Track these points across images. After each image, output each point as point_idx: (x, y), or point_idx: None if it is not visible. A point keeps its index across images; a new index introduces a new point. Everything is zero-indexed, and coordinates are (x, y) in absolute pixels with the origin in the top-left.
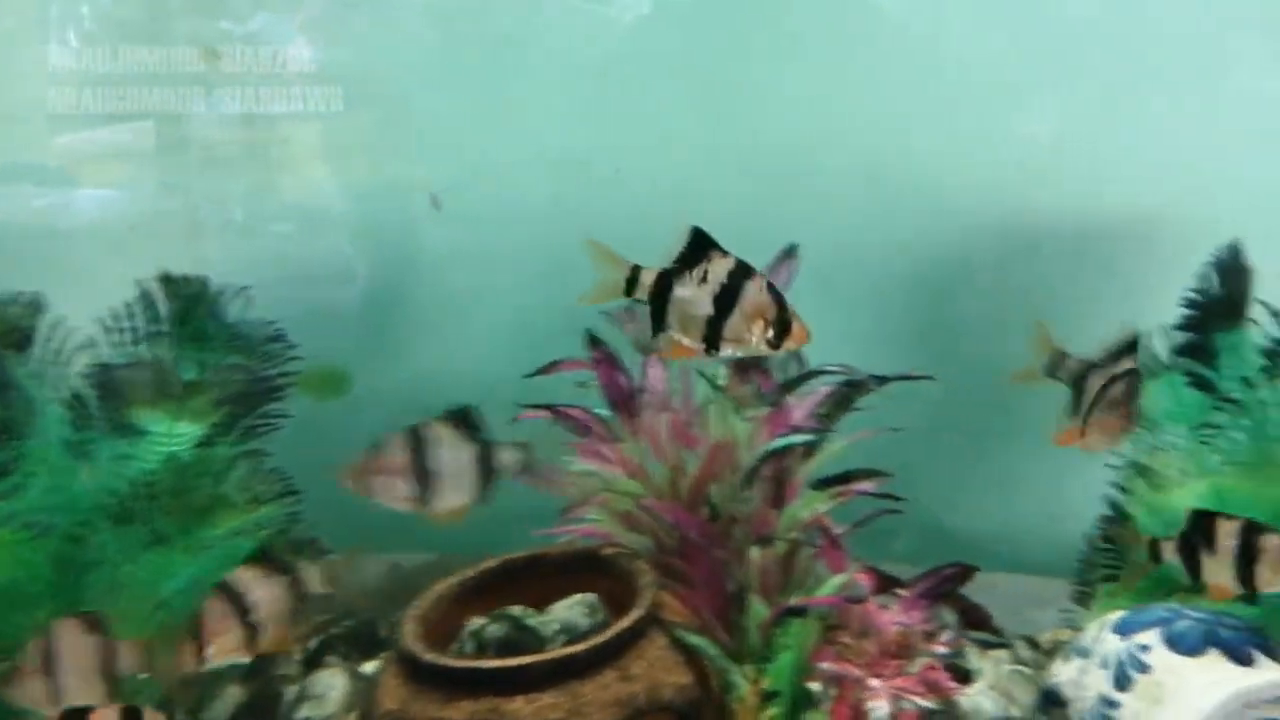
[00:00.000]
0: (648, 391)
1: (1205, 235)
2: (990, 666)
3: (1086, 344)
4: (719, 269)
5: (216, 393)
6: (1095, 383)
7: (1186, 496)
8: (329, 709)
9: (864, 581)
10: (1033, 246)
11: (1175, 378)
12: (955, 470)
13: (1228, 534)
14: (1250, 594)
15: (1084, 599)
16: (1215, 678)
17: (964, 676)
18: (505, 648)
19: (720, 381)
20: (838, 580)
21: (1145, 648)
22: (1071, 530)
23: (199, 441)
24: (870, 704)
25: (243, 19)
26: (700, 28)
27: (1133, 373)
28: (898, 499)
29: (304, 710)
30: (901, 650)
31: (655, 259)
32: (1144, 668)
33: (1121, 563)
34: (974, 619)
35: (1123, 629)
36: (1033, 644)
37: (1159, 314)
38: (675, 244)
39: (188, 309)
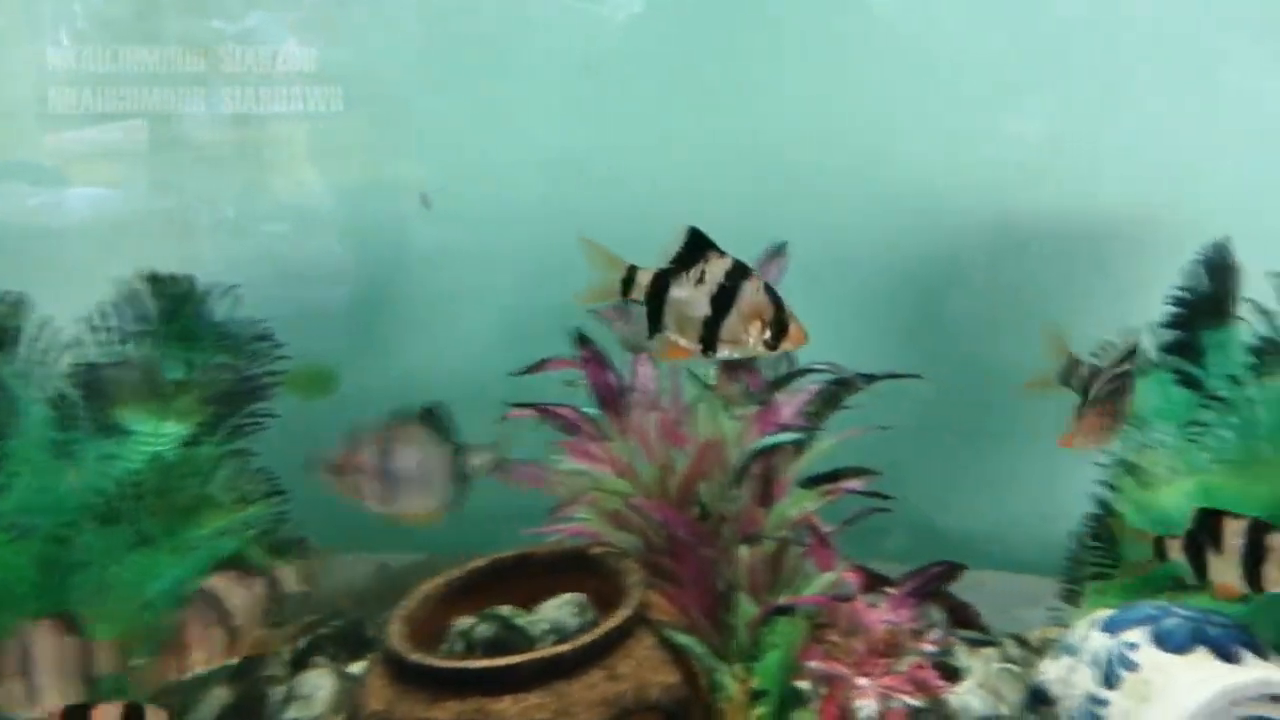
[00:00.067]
0: (637, 390)
1: (1196, 234)
2: (979, 665)
3: (1078, 343)
4: (716, 269)
5: (202, 392)
6: (1099, 388)
7: (1174, 494)
8: (316, 709)
9: (852, 580)
10: (1023, 245)
11: (1163, 376)
12: (946, 469)
13: (1234, 533)
14: (1257, 594)
15: (1072, 597)
16: (1202, 675)
17: (953, 675)
18: (494, 647)
19: (709, 380)
20: (826, 579)
21: (1133, 645)
22: (1063, 529)
23: (185, 441)
24: (858, 702)
25: (236, 18)
26: (692, 26)
27: (1124, 374)
28: (886, 497)
29: (291, 711)
30: (889, 649)
31: (647, 258)
32: (1132, 665)
33: (1110, 560)
34: (962, 617)
35: (1111, 627)
36: (1022, 642)
37: (1150, 313)
38: (672, 244)
39: (174, 308)
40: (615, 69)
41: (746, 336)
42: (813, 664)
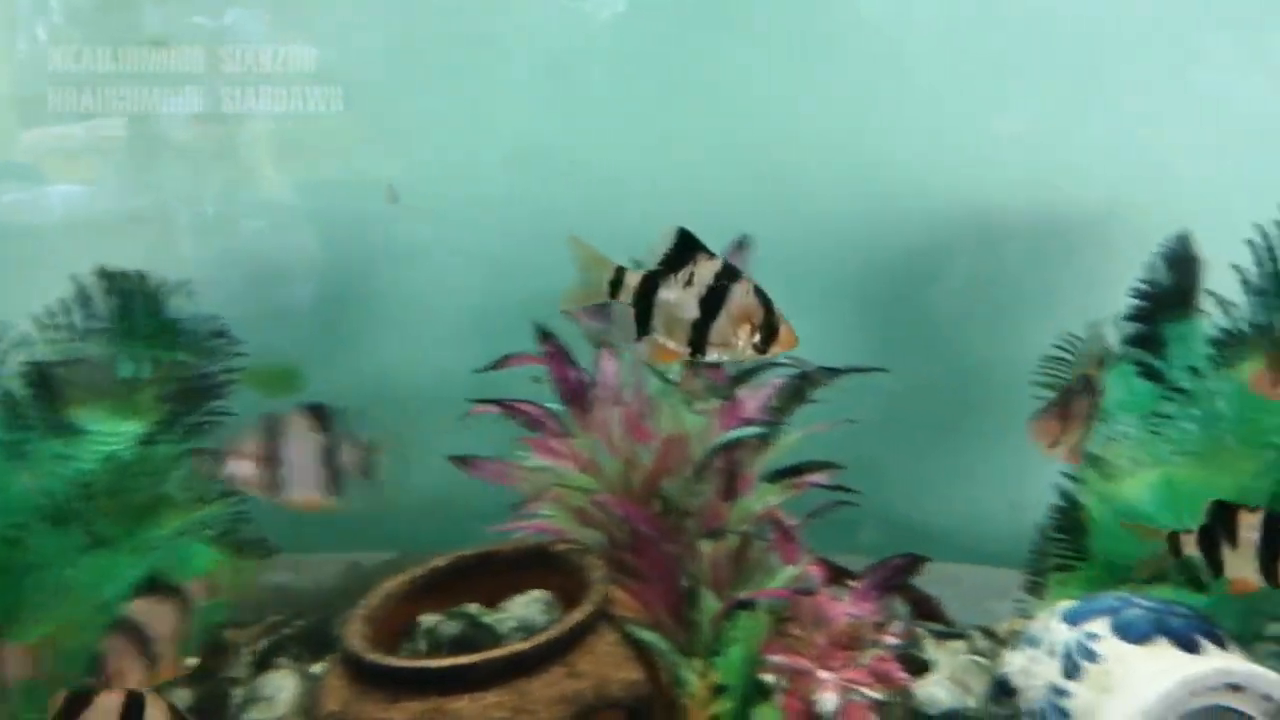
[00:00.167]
0: (600, 385)
1: (1167, 229)
2: (947, 657)
3: (1049, 336)
4: (705, 271)
5: (158, 390)
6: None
7: (1137, 486)
8: (278, 711)
9: (815, 573)
10: (993, 240)
11: (1126, 368)
12: (919, 462)
13: (1250, 526)
14: (1275, 588)
15: (1036, 588)
16: (1162, 666)
17: (920, 667)
18: (460, 646)
19: (672, 375)
20: (789, 573)
21: (1094, 636)
22: (1035, 522)
23: (141, 440)
24: (818, 696)
25: (216, 14)
26: (673, 24)
27: (1087, 383)
28: (850, 490)
29: (253, 713)
30: (851, 642)
31: (620, 254)
32: (1093, 656)
33: (1074, 552)
34: (925, 610)
35: (1072, 618)
36: (989, 634)
37: (1119, 307)
38: (660, 245)
39: (128, 304)
40: (594, 66)
41: (736, 339)
42: (775, 658)
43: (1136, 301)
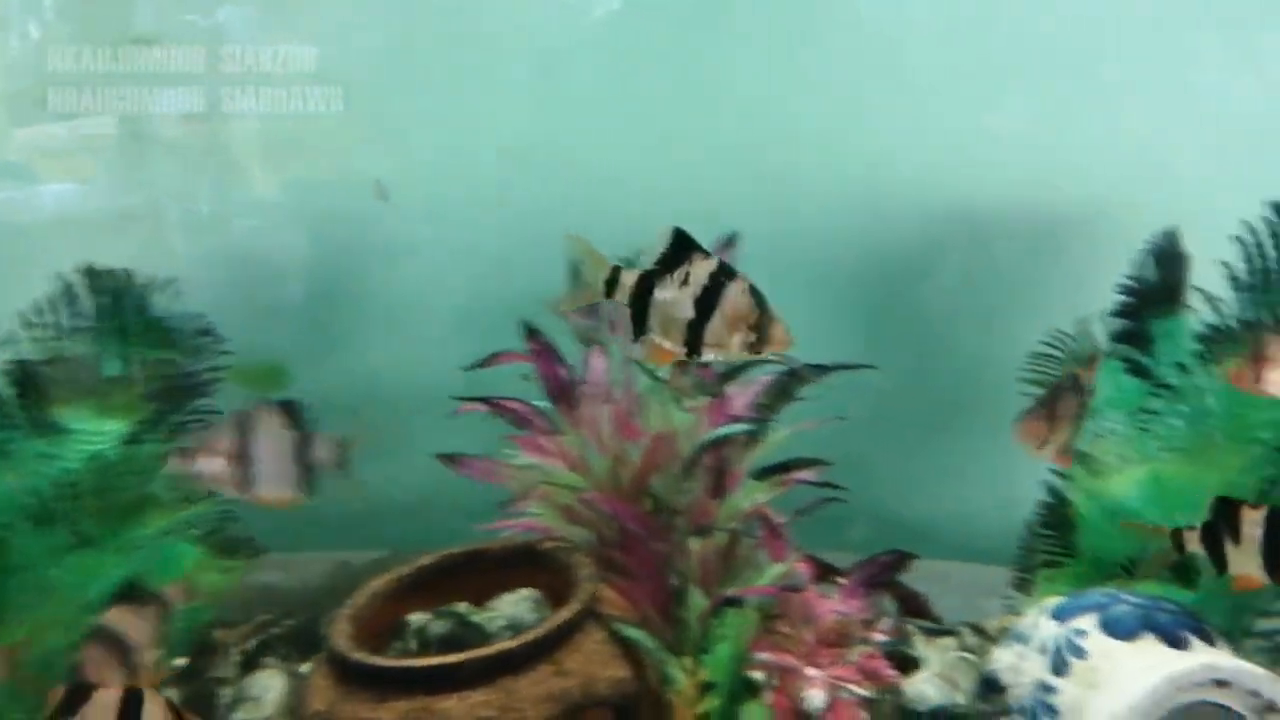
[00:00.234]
0: (589, 383)
1: (1157, 227)
2: (936, 654)
3: (1038, 333)
4: (700, 271)
5: (143, 388)
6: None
7: (1125, 482)
8: (265, 711)
9: (803, 570)
10: (985, 238)
11: (1113, 364)
12: (910, 460)
13: (1253, 522)
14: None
15: (1024, 585)
16: (1149, 662)
17: (909, 664)
18: (449, 644)
19: (661, 373)
20: (776, 570)
21: (1082, 633)
22: (1023, 518)
23: (125, 439)
24: (805, 693)
25: (208, 12)
26: (665, 23)
27: (1074, 382)
28: (838, 487)
29: (240, 713)
30: (839, 639)
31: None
32: (1081, 653)
33: (1062, 548)
34: (913, 606)
35: (1060, 614)
36: (979, 631)
37: (1109, 304)
38: (656, 244)
39: (112, 302)
40: (587, 64)
41: (730, 340)
42: (762, 655)
43: (1124, 298)
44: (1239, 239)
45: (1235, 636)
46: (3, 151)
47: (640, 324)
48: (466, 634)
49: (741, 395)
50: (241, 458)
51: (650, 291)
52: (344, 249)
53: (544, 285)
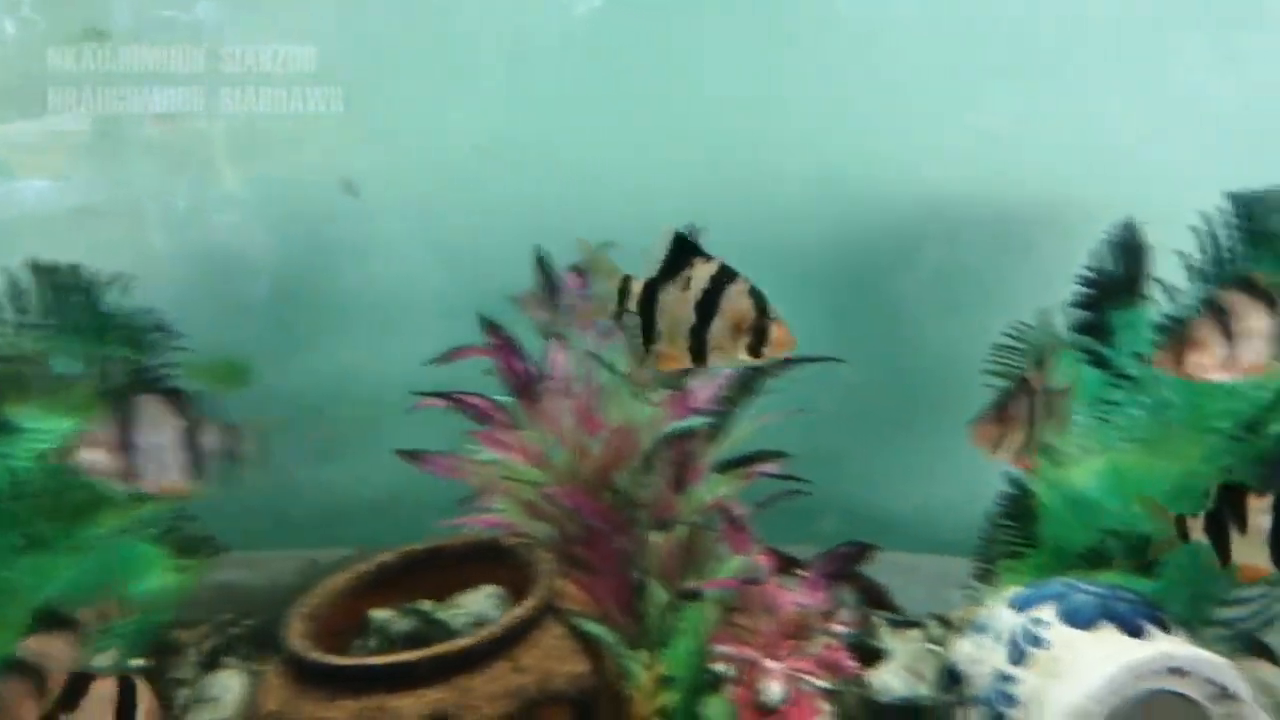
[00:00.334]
0: (551, 377)
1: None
2: (903, 646)
3: (1005, 327)
4: (701, 274)
5: (95, 386)
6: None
7: (1085, 473)
8: (224, 712)
9: (764, 563)
10: (954, 232)
11: (1074, 355)
12: (879, 453)
13: (1259, 510)
14: None
15: (987, 576)
16: (1107, 651)
17: (874, 656)
18: (413, 642)
19: (620, 367)
20: (737, 563)
21: (1041, 622)
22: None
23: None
24: (764, 685)
25: (187, 6)
26: (647, 18)
27: (1026, 385)
28: (801, 480)
29: (199, 714)
30: (799, 631)
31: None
32: (1040, 642)
33: (1023, 539)
34: (874, 598)
35: (1020, 604)
36: (945, 622)
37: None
38: (656, 249)
39: (63, 299)
40: (567, 60)
41: (734, 344)
42: (723, 648)
43: (1084, 289)
44: (1196, 230)
45: (1195, 625)
46: None
47: (649, 332)
48: (431, 631)
49: (704, 389)
50: (126, 448)
51: (656, 299)
52: (315, 246)
53: (523, 282)
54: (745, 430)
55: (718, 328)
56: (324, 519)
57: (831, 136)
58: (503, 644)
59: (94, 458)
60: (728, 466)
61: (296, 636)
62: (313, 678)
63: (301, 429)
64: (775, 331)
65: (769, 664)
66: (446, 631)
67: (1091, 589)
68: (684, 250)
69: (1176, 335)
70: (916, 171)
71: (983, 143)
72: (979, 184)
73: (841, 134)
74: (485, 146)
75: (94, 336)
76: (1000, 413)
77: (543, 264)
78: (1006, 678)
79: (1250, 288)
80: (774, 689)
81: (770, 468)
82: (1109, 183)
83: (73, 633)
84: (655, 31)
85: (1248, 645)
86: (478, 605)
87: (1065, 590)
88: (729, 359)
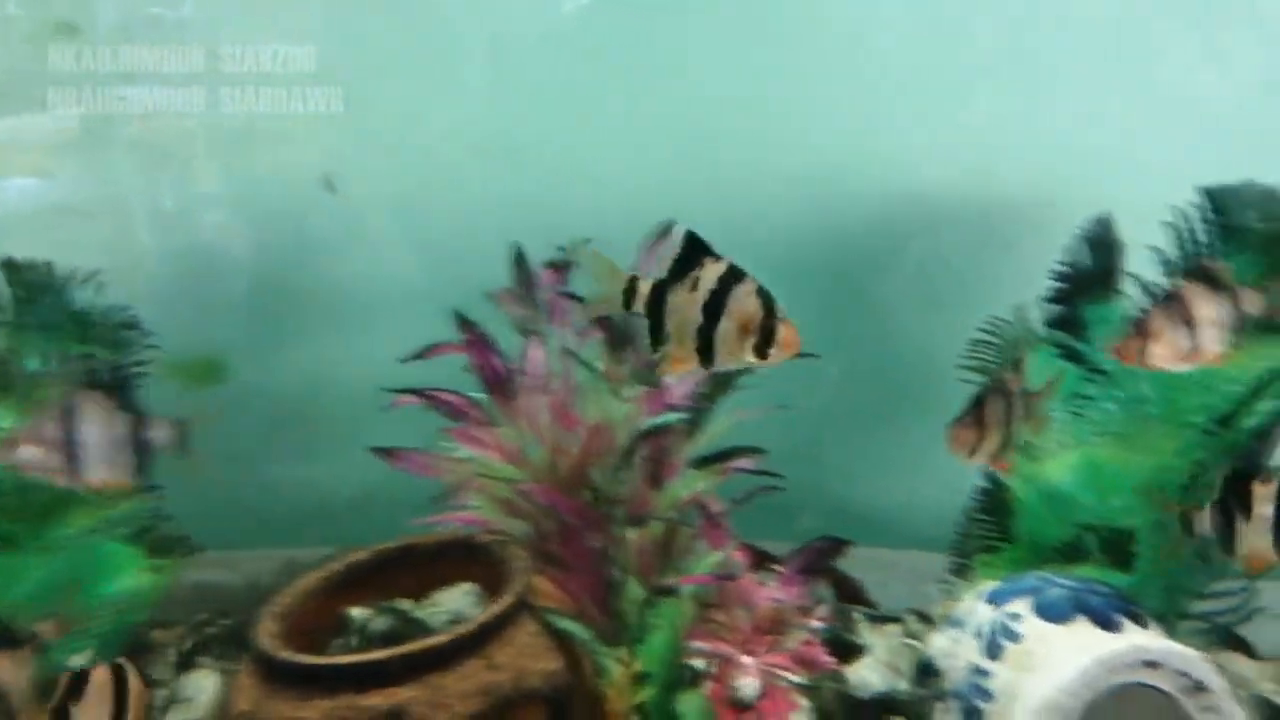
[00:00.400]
0: (526, 373)
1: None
2: (881, 641)
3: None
4: (709, 275)
5: (65, 383)
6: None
7: (1060, 467)
8: (198, 712)
9: (739, 558)
10: (935, 228)
11: (1048, 350)
12: (859, 449)
13: (1265, 498)
14: None
15: (962, 570)
16: (1080, 644)
17: (852, 651)
18: (391, 640)
19: (596, 363)
20: (712, 558)
21: (1016, 616)
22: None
23: None
24: (738, 681)
25: (174, 4)
26: (633, 14)
27: (1000, 387)
28: (777, 475)
29: (173, 714)
30: (775, 626)
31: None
32: (1014, 636)
33: (998, 533)
34: (846, 592)
35: (994, 598)
36: (924, 617)
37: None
38: (667, 250)
39: (32, 296)
40: (553, 57)
41: (742, 345)
42: (698, 644)
43: (1058, 284)
44: (1170, 224)
45: (1169, 619)
46: None
47: (658, 334)
48: (408, 629)
49: (680, 384)
50: (67, 443)
51: (664, 300)
52: (297, 243)
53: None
54: (722, 426)
55: (725, 328)
56: (302, 518)
57: (815, 134)
58: (476, 641)
59: (30, 454)
60: (704, 462)
61: (266, 636)
62: (284, 677)
63: (282, 427)
64: (783, 332)
65: (744, 659)
66: (425, 630)
67: (1066, 583)
68: (694, 250)
69: (1135, 327)
70: (900, 168)
71: (966, 140)
72: (962, 181)
73: (825, 131)
74: (472, 144)
75: (65, 334)
76: (976, 416)
77: (519, 260)
78: (981, 671)
79: (1206, 278)
80: (749, 684)
81: (746, 463)
82: (1093, 180)
83: (25, 649)
84: (642, 29)
85: (1223, 638)
86: (456, 603)
87: (1040, 584)
88: (736, 360)
